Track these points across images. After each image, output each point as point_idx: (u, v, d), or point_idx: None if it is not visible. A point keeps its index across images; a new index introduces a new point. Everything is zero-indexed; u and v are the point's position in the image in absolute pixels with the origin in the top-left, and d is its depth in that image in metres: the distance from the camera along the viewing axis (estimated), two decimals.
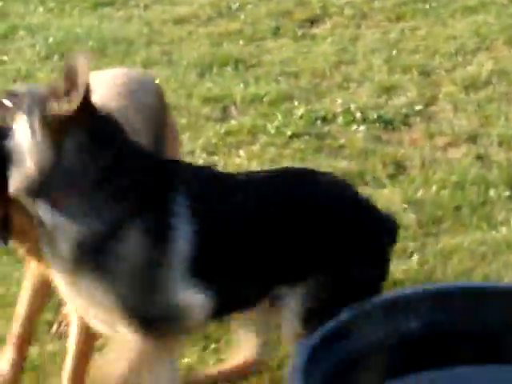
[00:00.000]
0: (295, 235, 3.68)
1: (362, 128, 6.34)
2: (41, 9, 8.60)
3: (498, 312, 3.88)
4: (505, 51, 7.51)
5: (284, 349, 4.11)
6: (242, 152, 6.22)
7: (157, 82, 6.49)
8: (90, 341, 4.00)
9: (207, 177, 3.77)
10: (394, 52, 7.50)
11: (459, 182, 5.71)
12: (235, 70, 7.35)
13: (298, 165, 5.88)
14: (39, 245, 3.53)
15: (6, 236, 3.56)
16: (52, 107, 3.35)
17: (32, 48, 7.75)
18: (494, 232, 5.27)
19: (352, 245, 3.75)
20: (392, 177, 5.85)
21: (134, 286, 3.44)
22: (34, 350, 4.32)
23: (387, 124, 6.45)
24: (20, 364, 4.21)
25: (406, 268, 4.94)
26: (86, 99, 3.36)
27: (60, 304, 4.30)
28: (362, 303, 3.92)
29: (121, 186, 3.44)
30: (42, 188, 3.34)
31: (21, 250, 3.80)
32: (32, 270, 4.03)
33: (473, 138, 6.24)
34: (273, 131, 6.41)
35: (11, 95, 3.44)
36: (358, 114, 6.49)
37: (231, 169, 5.90)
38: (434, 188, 5.68)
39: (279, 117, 6.55)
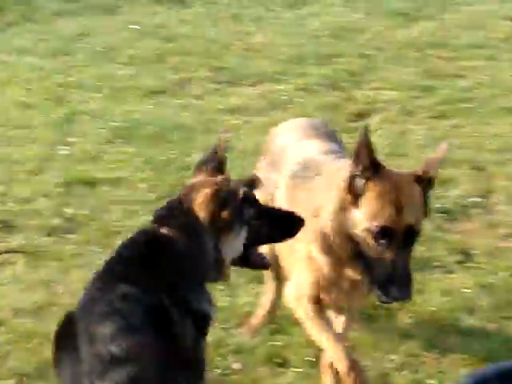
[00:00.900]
0: None
1: None
2: (98, 95, 8.85)
3: None
4: None
5: None
6: None
7: None
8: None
9: None
10: None
11: None
12: None
13: None
14: None
15: None
16: None
17: (96, 131, 7.98)
18: None
19: None
20: (460, 263, 6.01)
21: None
22: None
23: (448, 214, 6.63)
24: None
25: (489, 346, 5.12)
26: None
27: None
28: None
29: None
30: None
31: None
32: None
33: None
34: None
35: None
36: None
37: None
38: (503, 274, 5.85)
39: None
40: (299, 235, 3.95)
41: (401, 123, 8.30)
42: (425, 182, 4.19)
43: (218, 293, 5.09)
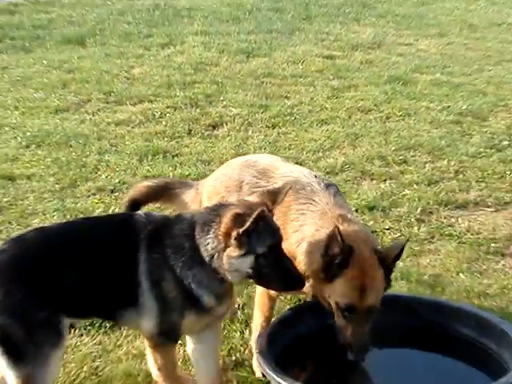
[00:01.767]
0: None
1: None
2: (16, 112, 8.76)
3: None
4: (350, 149, 7.85)
5: None
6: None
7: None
8: None
9: None
10: (274, 149, 7.75)
11: None
12: (164, 158, 7.51)
13: None
14: None
15: None
16: None
17: (15, 139, 7.90)
18: None
19: None
20: None
21: None
22: None
23: None
24: None
25: None
26: None
27: None
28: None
29: None
30: None
31: None
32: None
33: None
34: None
35: None
36: None
37: None
38: None
39: None
40: None
41: (244, 132, 8.35)
42: (387, 264, 3.88)
43: None
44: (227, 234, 3.56)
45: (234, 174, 4.60)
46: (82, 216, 6.18)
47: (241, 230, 3.51)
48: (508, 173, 7.28)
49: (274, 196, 3.78)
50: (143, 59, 11.17)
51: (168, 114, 8.80)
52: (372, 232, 5.61)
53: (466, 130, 8.48)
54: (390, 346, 4.22)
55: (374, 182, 6.38)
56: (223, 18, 13.99)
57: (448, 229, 6.17)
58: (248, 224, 3.49)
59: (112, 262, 3.73)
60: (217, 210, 3.71)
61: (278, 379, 3.57)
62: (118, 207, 6.37)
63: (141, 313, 3.73)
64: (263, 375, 4.03)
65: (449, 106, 9.24)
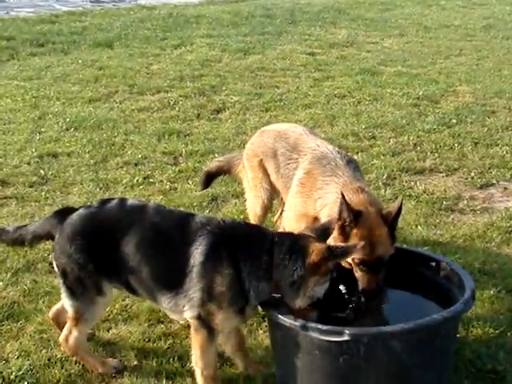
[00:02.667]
0: None
1: None
2: (57, 102, 8.65)
3: None
4: (329, 128, 7.83)
5: None
6: (190, 182, 6.35)
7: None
8: None
9: None
10: None
11: None
12: (178, 137, 7.47)
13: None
14: None
15: None
16: None
17: (57, 124, 7.83)
18: None
19: None
20: None
21: None
22: None
23: None
24: None
25: None
26: None
27: None
28: None
29: None
30: None
31: None
32: None
33: None
34: None
35: None
36: None
37: (186, 192, 6.08)
38: None
39: (208, 163, 6.54)
40: None
41: (242, 115, 8.29)
42: (389, 223, 3.80)
43: None
44: (317, 265, 3.26)
45: (269, 143, 4.62)
46: (112, 184, 6.20)
47: (333, 260, 3.31)
48: (456, 145, 7.27)
49: (325, 231, 3.51)
50: (160, 58, 11.05)
51: (180, 102, 8.73)
52: None
53: (423, 111, 8.44)
54: None
55: (349, 154, 6.32)
56: (224, 24, 13.86)
57: (408, 191, 6.16)
58: (340, 257, 3.33)
59: (168, 248, 3.43)
60: (299, 240, 3.36)
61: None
62: (141, 177, 6.38)
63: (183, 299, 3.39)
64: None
65: (408, 92, 9.19)
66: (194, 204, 5.80)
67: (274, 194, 4.78)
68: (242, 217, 5.40)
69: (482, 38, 13.20)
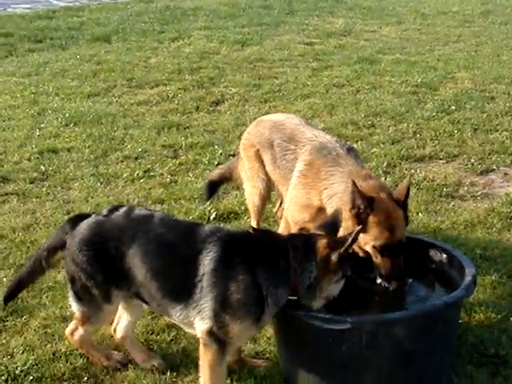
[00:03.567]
0: None
1: None
2: (56, 98, 8.65)
3: None
4: (328, 117, 7.81)
5: None
6: (190, 174, 6.34)
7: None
8: None
9: None
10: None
11: None
12: (177, 130, 7.45)
13: None
14: None
15: None
16: None
17: (56, 120, 7.80)
18: None
19: None
20: None
21: None
22: None
23: None
24: None
25: None
26: None
27: None
28: None
29: None
30: None
31: None
32: None
33: None
34: (206, 162, 6.55)
35: None
36: None
37: (187, 185, 6.06)
38: None
39: (208, 155, 6.70)
40: None
41: (241, 106, 8.28)
42: (402, 205, 3.78)
43: None
44: (326, 259, 3.15)
45: (266, 133, 4.58)
46: (112, 178, 6.21)
47: (341, 250, 3.15)
48: (456, 132, 7.25)
49: (334, 225, 3.41)
50: (158, 51, 11.03)
51: (179, 95, 8.71)
52: None
53: (422, 99, 8.42)
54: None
55: (349, 142, 6.29)
56: (222, 16, 13.84)
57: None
58: (346, 245, 3.16)
59: (175, 258, 3.29)
60: (311, 241, 3.24)
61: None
62: (141, 171, 6.38)
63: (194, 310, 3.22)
64: None
65: (407, 80, 9.16)
66: (195, 196, 5.77)
67: (271, 184, 4.74)
68: (242, 208, 5.41)
69: (480, 23, 13.20)
